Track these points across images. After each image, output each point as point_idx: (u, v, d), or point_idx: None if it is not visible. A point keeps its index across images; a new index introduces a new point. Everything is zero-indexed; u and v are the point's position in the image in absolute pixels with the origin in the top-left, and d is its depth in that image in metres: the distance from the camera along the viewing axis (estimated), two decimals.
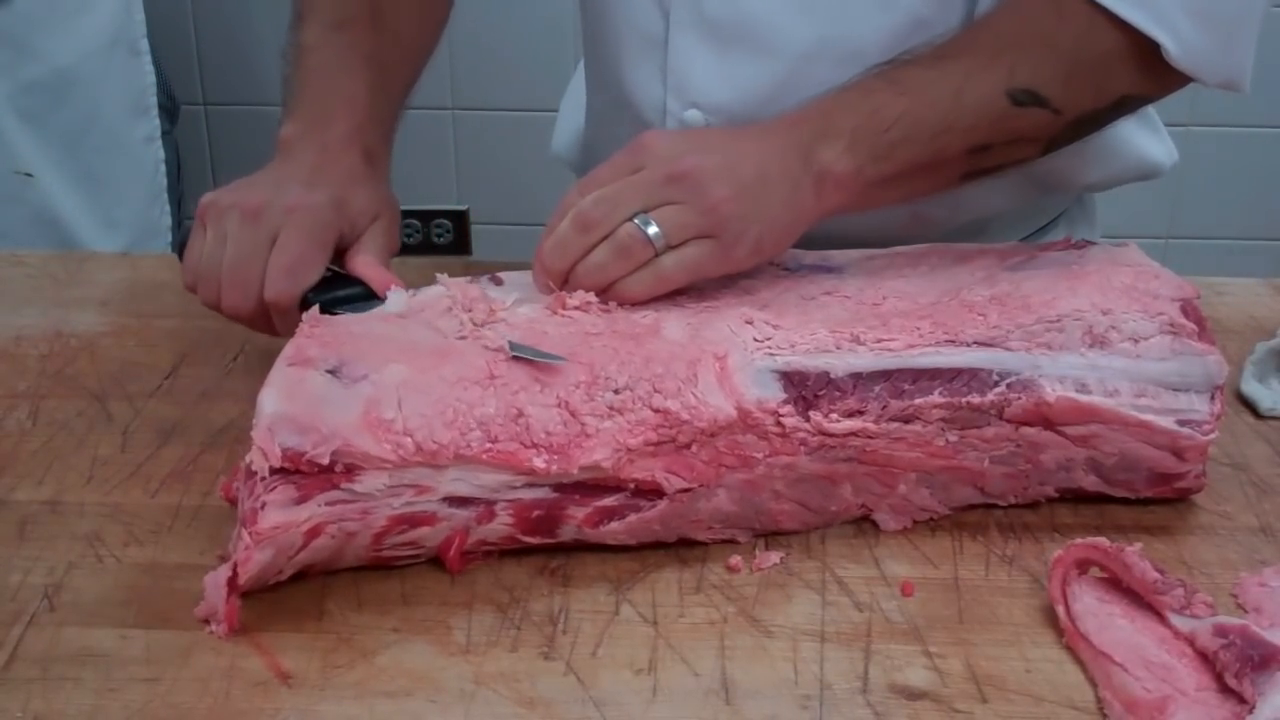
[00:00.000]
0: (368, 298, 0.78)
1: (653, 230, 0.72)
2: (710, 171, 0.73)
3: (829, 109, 0.78)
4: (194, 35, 2.12)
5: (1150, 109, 0.99)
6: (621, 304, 0.74)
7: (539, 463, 0.64)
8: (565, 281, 0.75)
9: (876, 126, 0.77)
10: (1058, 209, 1.03)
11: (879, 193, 0.80)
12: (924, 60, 0.80)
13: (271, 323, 0.79)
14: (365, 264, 0.80)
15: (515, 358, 0.67)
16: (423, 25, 0.98)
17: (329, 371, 0.65)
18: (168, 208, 1.81)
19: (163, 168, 1.80)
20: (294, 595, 0.66)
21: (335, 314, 0.73)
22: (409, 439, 0.63)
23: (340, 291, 0.78)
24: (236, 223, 0.79)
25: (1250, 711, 0.57)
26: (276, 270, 0.77)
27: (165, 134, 1.81)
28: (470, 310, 0.72)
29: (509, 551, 0.69)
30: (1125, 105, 0.84)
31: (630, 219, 0.73)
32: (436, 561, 0.68)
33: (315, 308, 0.72)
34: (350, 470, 0.63)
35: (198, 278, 0.80)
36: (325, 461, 0.62)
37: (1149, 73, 0.82)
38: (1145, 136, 1.00)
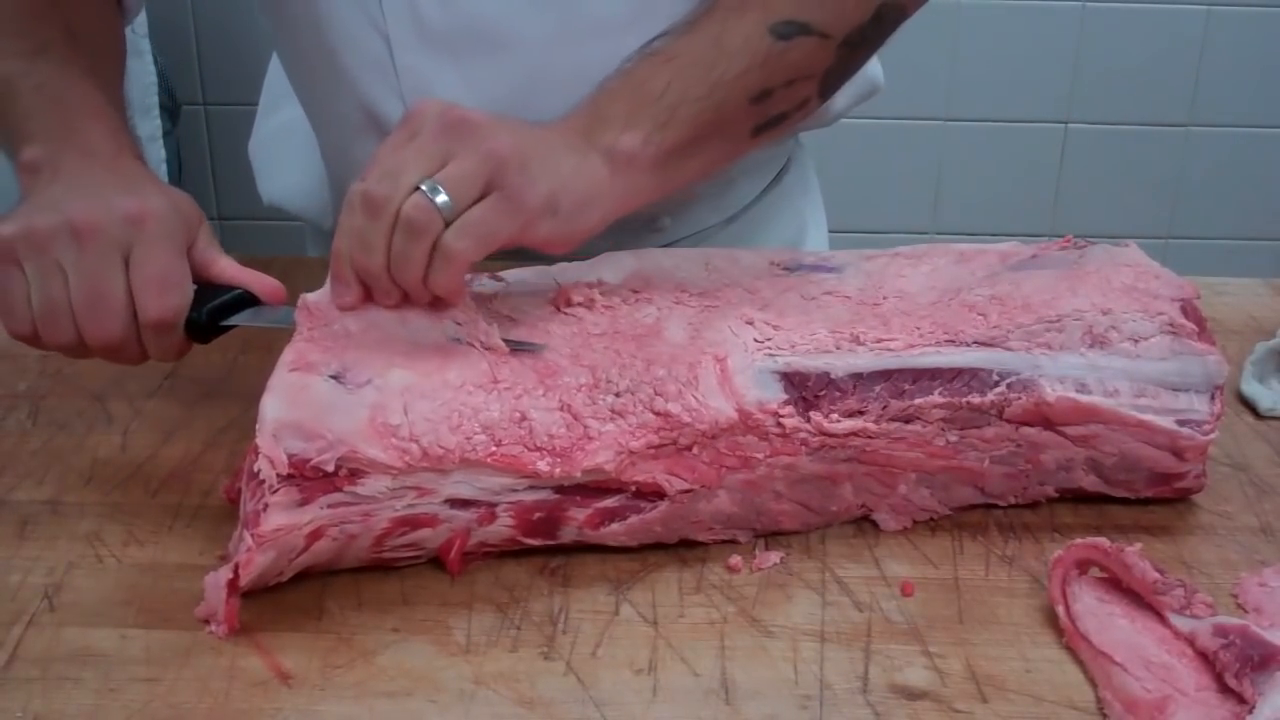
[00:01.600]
0: (249, 302, 0.74)
1: (441, 199, 0.66)
2: (487, 120, 0.69)
3: (596, 101, 0.76)
4: (194, 35, 2.12)
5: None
6: (443, 303, 0.69)
7: (542, 466, 0.64)
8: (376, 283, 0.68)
9: (648, 97, 0.75)
10: (787, 154, 1.06)
11: (676, 166, 0.77)
12: (678, 28, 0.79)
13: (142, 350, 0.73)
14: (232, 267, 0.75)
15: (513, 351, 0.68)
16: (112, 39, 0.93)
17: (332, 377, 0.65)
18: None
19: (164, 167, 1.80)
20: (294, 595, 0.66)
21: (228, 327, 0.72)
22: (415, 445, 0.63)
23: (219, 300, 0.73)
24: (70, 248, 0.70)
25: (1250, 711, 0.57)
26: (147, 288, 0.71)
27: (166, 134, 1.81)
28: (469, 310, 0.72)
29: (509, 552, 0.69)
30: (885, 17, 0.83)
31: (415, 189, 0.66)
32: (437, 562, 0.68)
33: (210, 320, 0.70)
34: (354, 474, 0.63)
35: (39, 320, 0.71)
36: (331, 468, 0.62)
37: None
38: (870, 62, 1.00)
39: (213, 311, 0.72)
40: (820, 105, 0.84)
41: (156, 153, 1.78)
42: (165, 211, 0.72)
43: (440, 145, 0.67)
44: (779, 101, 0.80)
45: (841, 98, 0.97)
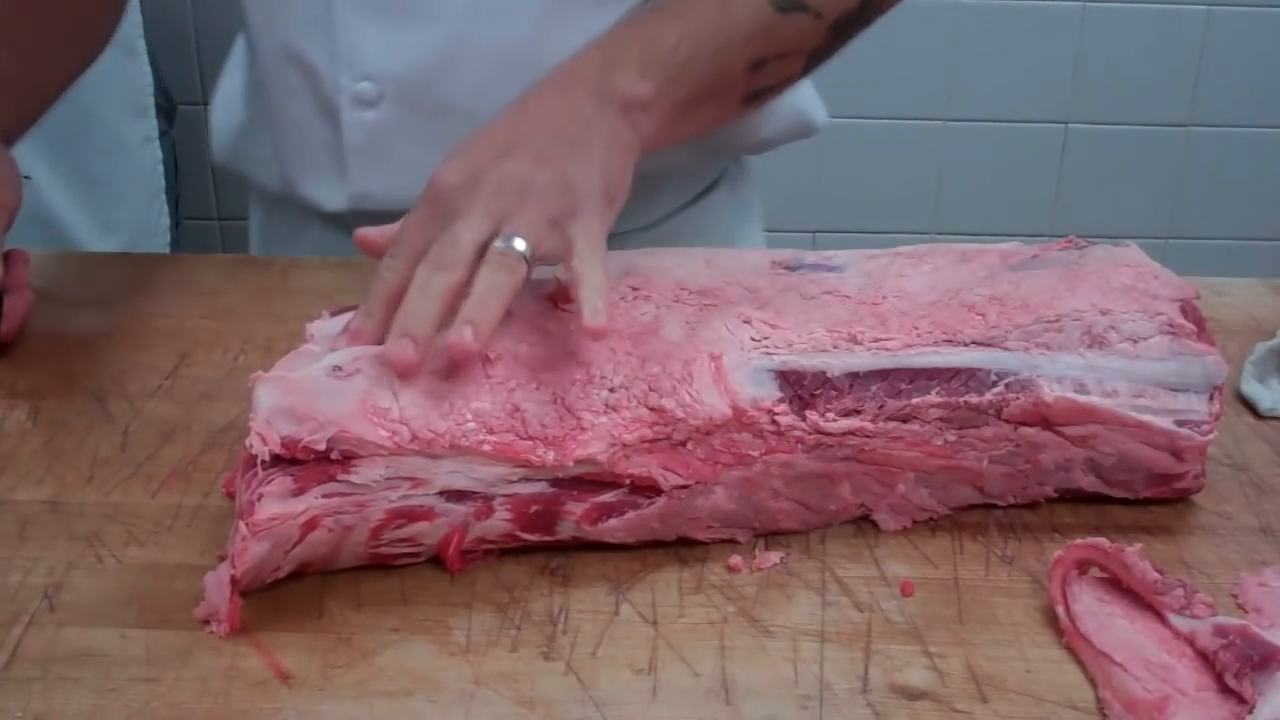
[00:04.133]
0: None
1: (516, 245, 0.67)
2: (514, 169, 0.70)
3: (606, 45, 0.78)
4: (193, 35, 2.12)
5: None
6: (593, 328, 0.67)
7: (535, 454, 0.65)
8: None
9: (661, 49, 0.77)
10: (719, 170, 1.08)
11: (680, 122, 0.80)
12: None
13: None
14: None
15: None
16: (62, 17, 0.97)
17: (323, 370, 0.66)
18: (165, 208, 1.81)
19: (160, 168, 1.80)
20: (294, 595, 0.66)
21: None
22: (405, 427, 0.64)
23: None
24: None
25: (1250, 711, 0.57)
26: None
27: (163, 134, 1.81)
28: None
29: (509, 551, 0.69)
30: (869, 8, 0.87)
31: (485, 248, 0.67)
32: (436, 561, 0.68)
33: None
34: (347, 459, 0.63)
35: None
36: (322, 447, 0.63)
37: None
38: (803, 96, 1.06)
39: None
40: (799, 81, 0.88)
41: (152, 154, 1.78)
42: None
43: (487, 214, 0.68)
44: (769, 73, 0.84)
45: (776, 129, 1.04)
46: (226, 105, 1.11)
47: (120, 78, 1.69)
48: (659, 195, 1.04)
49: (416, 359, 0.64)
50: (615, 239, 0.73)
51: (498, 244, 0.67)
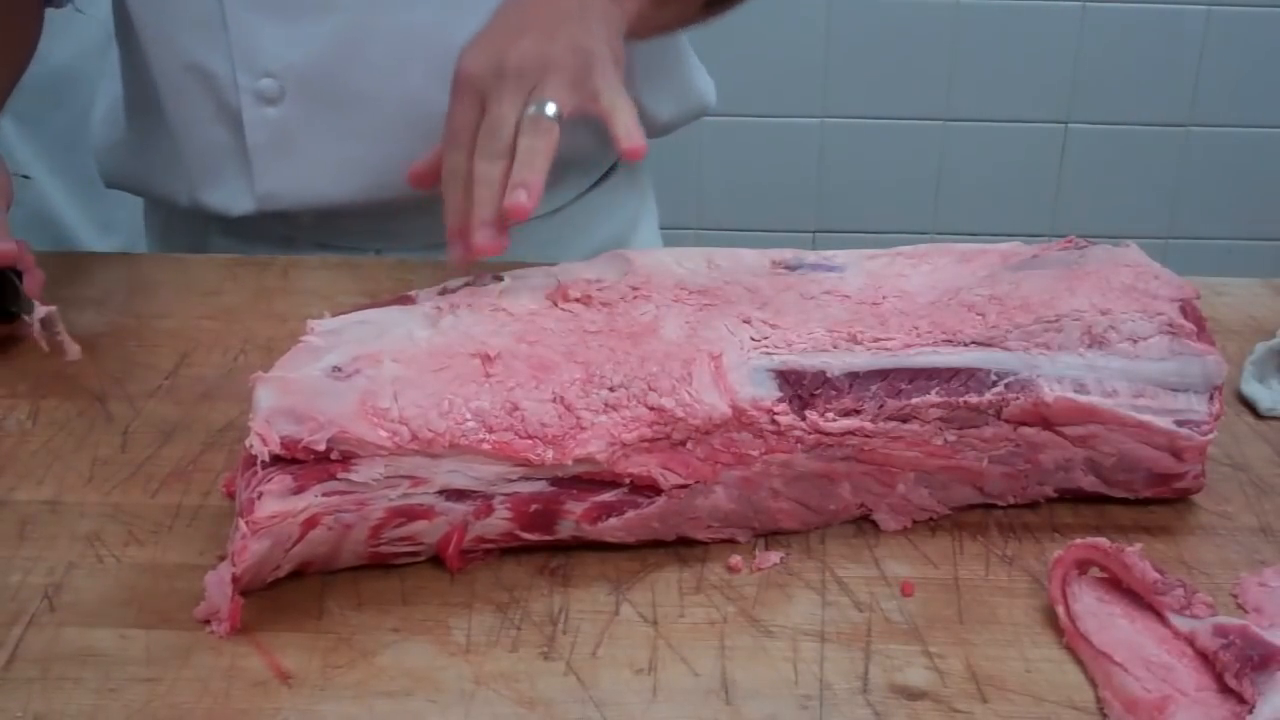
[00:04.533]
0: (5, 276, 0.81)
1: (547, 108, 0.75)
2: (531, 45, 0.76)
3: None
4: None
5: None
6: (633, 147, 0.75)
7: (534, 453, 0.65)
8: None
9: None
10: (616, 154, 1.11)
11: (656, 10, 0.86)
12: None
13: None
14: None
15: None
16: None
17: (324, 370, 0.66)
18: None
19: None
20: (294, 595, 0.66)
21: (14, 313, 0.80)
22: (404, 427, 0.64)
23: None
24: None
25: (1250, 711, 0.57)
26: None
27: None
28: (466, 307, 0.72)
29: (509, 551, 0.69)
30: None
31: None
32: (436, 561, 0.68)
33: None
34: (347, 458, 0.63)
35: None
36: (321, 448, 0.63)
37: None
38: (701, 77, 1.13)
39: None
40: None
41: None
42: None
43: (520, 86, 0.75)
44: None
45: (671, 112, 1.09)
46: (107, 123, 1.11)
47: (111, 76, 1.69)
48: (564, 181, 1.07)
49: (498, 242, 0.75)
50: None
51: (530, 110, 0.75)
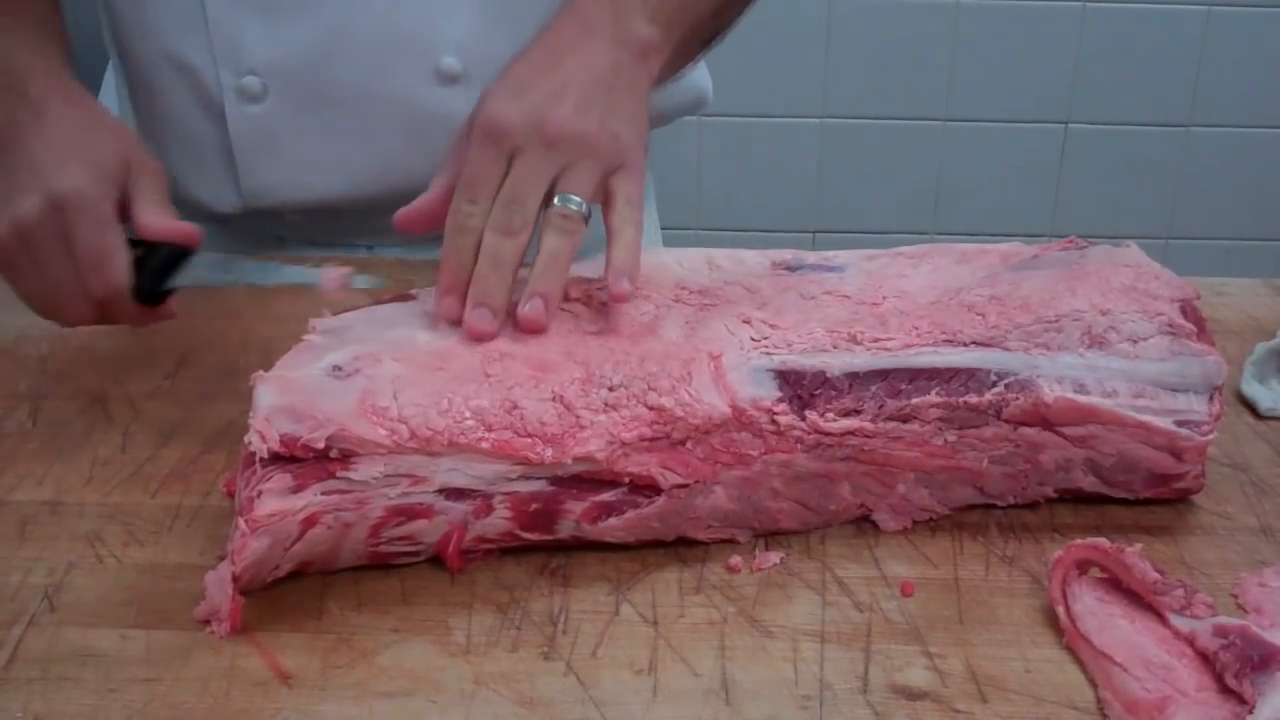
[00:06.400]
0: (180, 256, 0.77)
1: (575, 204, 0.73)
2: (573, 116, 0.73)
3: None
4: None
5: None
6: (619, 292, 0.72)
7: (533, 451, 0.65)
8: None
9: None
10: None
11: (671, 64, 0.84)
12: None
13: (118, 314, 0.78)
14: (152, 225, 0.77)
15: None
16: None
17: (324, 370, 0.66)
18: None
19: None
20: (294, 595, 0.66)
21: (170, 290, 0.76)
22: (404, 426, 0.64)
23: (154, 261, 0.77)
24: (24, 250, 0.76)
25: (1250, 712, 0.57)
26: (85, 270, 0.76)
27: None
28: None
29: (509, 551, 0.69)
30: None
31: (545, 205, 0.73)
32: (436, 561, 0.68)
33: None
34: (346, 457, 0.63)
35: (45, 308, 0.79)
36: (321, 446, 0.63)
37: None
38: (700, 71, 1.11)
39: (153, 277, 0.76)
40: (737, 19, 0.92)
41: None
42: (81, 186, 0.75)
43: (552, 160, 0.73)
44: (724, 20, 0.89)
45: (671, 105, 1.07)
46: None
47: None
48: None
49: (494, 328, 0.71)
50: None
51: (557, 203, 0.72)
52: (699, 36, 0.87)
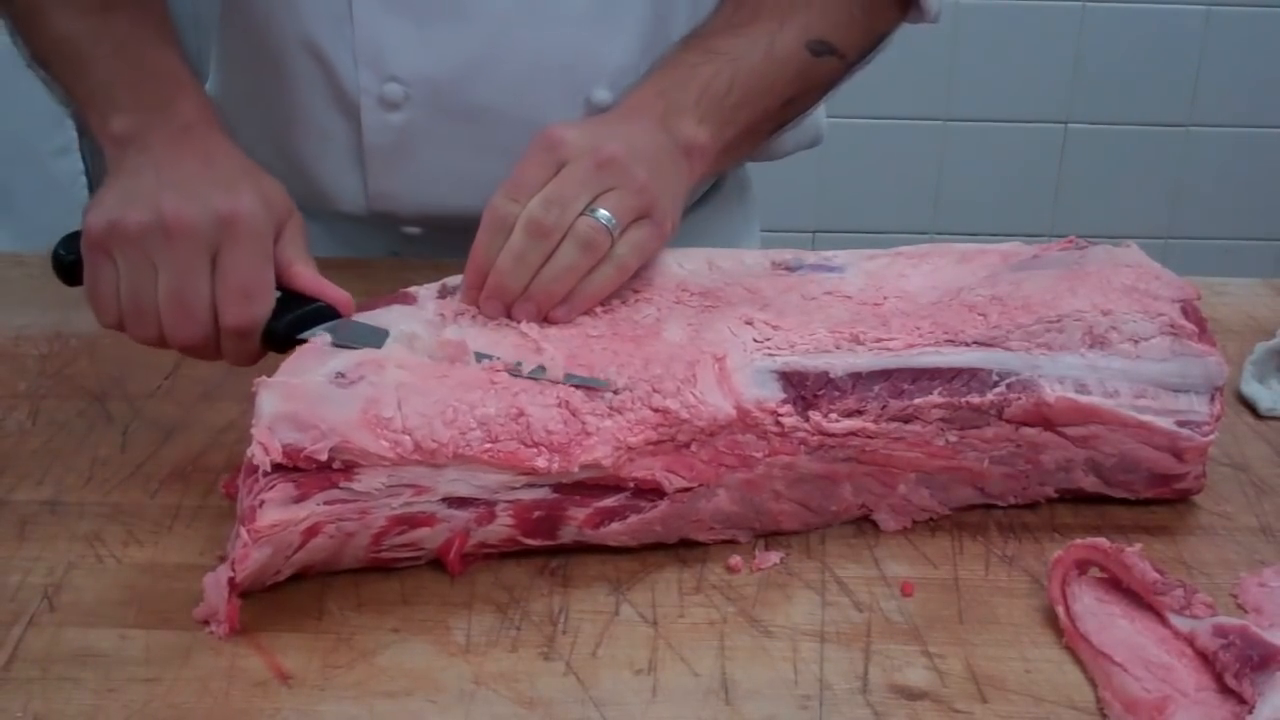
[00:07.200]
0: (327, 314, 0.72)
1: (605, 219, 0.73)
2: (627, 154, 0.75)
3: (664, 88, 0.83)
4: (192, 33, 2.12)
5: None
6: (582, 310, 0.74)
7: (540, 461, 0.64)
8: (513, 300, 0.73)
9: (715, 95, 0.82)
10: (718, 176, 1.11)
11: (722, 160, 0.86)
12: (726, 29, 0.87)
13: (220, 349, 0.73)
14: (311, 278, 0.73)
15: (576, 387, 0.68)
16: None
17: (326, 376, 0.66)
18: None
19: (81, 179, 1.71)
20: (294, 595, 0.66)
21: (304, 340, 0.70)
22: (407, 437, 0.63)
23: (298, 312, 0.72)
24: (161, 246, 0.69)
25: (1250, 711, 0.57)
26: (229, 296, 0.70)
27: (81, 144, 1.71)
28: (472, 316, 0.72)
29: (509, 552, 0.69)
30: (880, 45, 0.94)
31: (582, 214, 0.73)
32: (436, 562, 0.68)
33: (321, 339, 0.69)
34: (349, 468, 0.63)
35: (125, 313, 0.72)
36: (324, 457, 0.62)
37: (900, 10, 0.94)
38: (819, 110, 1.09)
39: (292, 324, 0.71)
40: (813, 107, 0.94)
41: (72, 164, 1.69)
42: (256, 211, 0.71)
43: (599, 179, 0.74)
44: (797, 106, 0.90)
45: (789, 142, 1.06)
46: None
47: (31, 83, 1.65)
48: None
49: (502, 312, 0.73)
50: None
51: (587, 214, 0.73)
52: (760, 130, 0.87)
